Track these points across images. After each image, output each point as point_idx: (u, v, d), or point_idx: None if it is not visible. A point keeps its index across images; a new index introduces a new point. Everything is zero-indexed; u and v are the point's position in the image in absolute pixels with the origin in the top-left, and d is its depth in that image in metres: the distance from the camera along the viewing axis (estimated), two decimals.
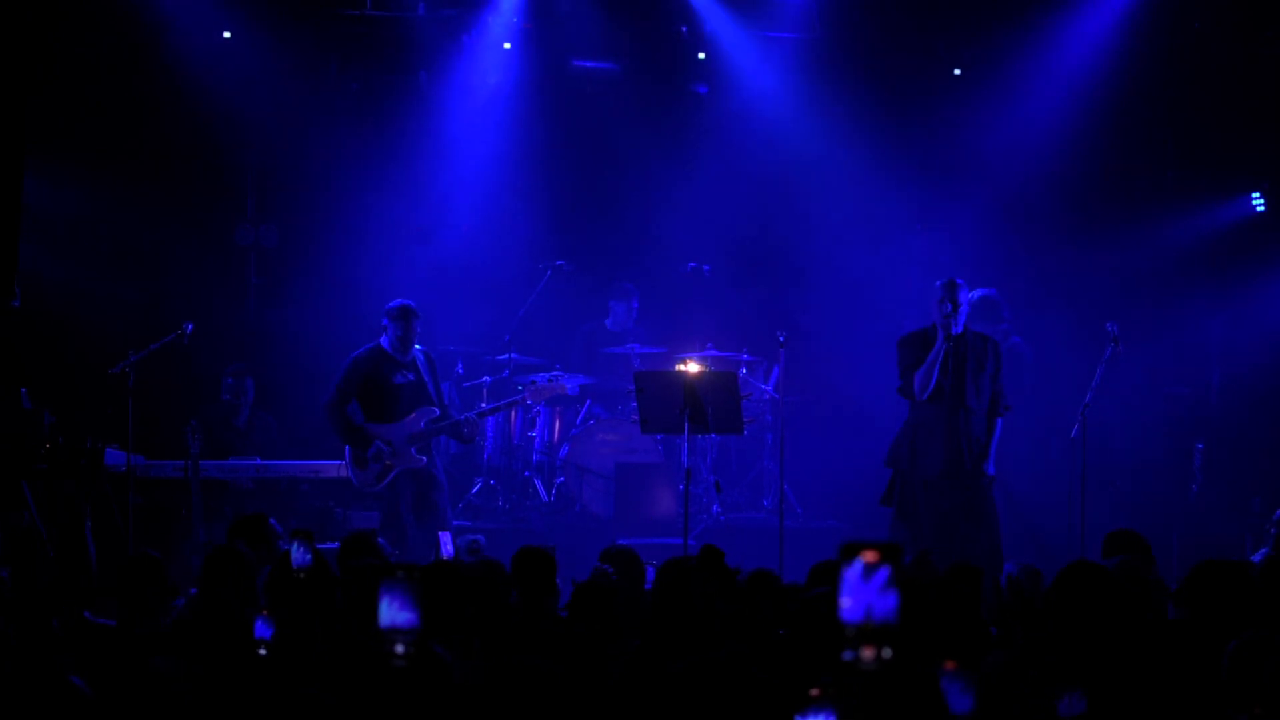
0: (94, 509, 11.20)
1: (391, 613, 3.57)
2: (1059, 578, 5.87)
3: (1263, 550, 9.50)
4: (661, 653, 5.78)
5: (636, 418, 11.34)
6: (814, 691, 3.03)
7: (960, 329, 10.61)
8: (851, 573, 2.77)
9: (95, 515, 11.18)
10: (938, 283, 10.68)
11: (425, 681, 4.81)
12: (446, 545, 8.84)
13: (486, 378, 13.29)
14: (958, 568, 6.68)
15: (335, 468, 11.70)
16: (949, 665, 3.60)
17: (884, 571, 2.69)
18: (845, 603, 2.71)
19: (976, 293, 12.51)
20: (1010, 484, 13.30)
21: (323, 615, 5.94)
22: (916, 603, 5.17)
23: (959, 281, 10.60)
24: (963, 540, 10.45)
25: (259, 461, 12.23)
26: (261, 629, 4.81)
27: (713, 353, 13.13)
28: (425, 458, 11.18)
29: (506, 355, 13.34)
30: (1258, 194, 14.27)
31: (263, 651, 4.77)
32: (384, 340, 11.28)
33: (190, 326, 11.40)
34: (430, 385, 11.34)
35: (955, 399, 10.59)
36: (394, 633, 3.56)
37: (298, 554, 5.02)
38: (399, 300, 11.33)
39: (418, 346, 11.36)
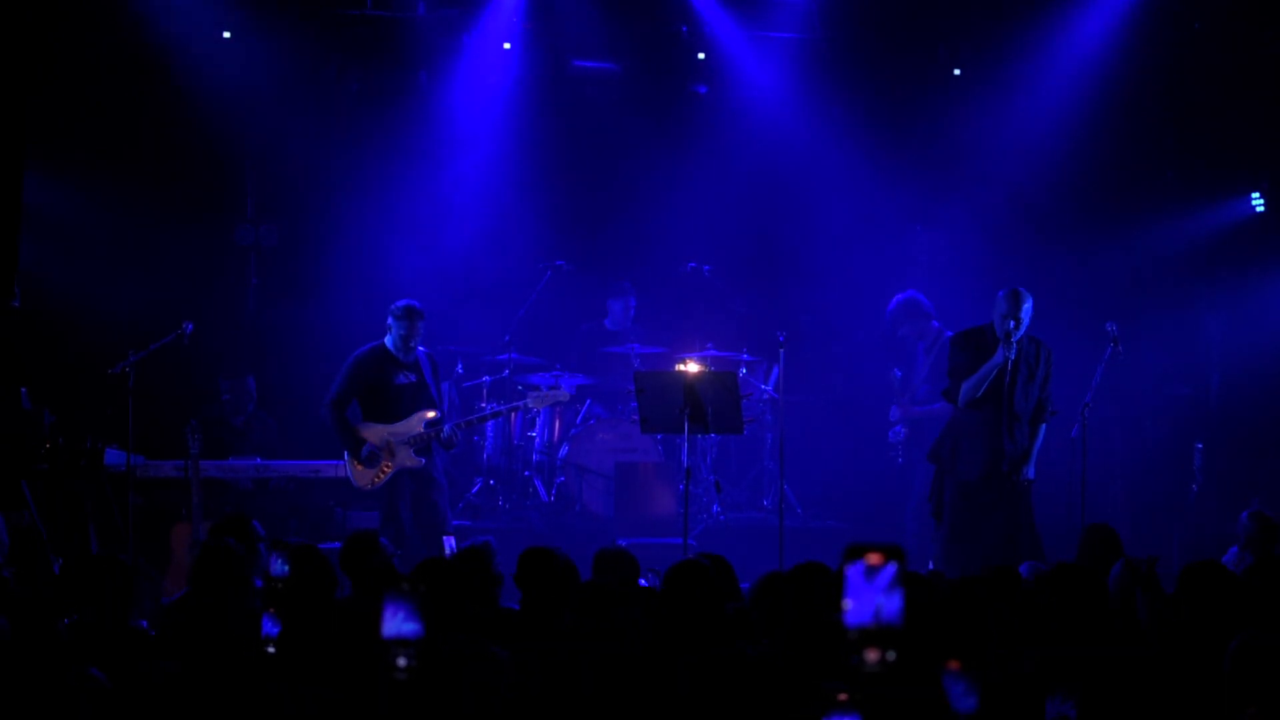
0: (94, 509, 11.20)
1: (396, 623, 3.55)
2: (1046, 580, 5.89)
3: (1232, 549, 9.48)
4: (670, 650, 5.79)
5: (636, 417, 11.34)
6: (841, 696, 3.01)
7: (1019, 336, 10.50)
8: (854, 574, 2.77)
9: (96, 515, 11.18)
10: (1000, 292, 10.50)
11: (481, 680, 4.82)
12: (450, 550, 8.84)
13: (486, 378, 13.28)
14: (994, 571, 6.67)
15: (335, 468, 11.70)
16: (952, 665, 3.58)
17: (888, 572, 2.69)
18: (850, 604, 2.72)
19: (901, 295, 12.51)
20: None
21: (323, 614, 5.94)
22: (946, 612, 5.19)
23: (1023, 292, 10.45)
24: (1004, 544, 10.37)
25: (259, 461, 12.23)
26: (269, 626, 4.80)
27: (712, 352, 13.12)
28: (424, 458, 11.16)
29: (506, 355, 13.32)
30: (1257, 194, 14.26)
31: (271, 649, 4.76)
32: (388, 340, 11.26)
33: (190, 326, 11.38)
34: (432, 386, 11.32)
35: (1002, 406, 10.50)
36: (398, 643, 3.54)
37: (275, 566, 4.99)
38: (404, 300, 11.30)
39: (421, 348, 11.33)
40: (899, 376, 12.81)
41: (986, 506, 10.55)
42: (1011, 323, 10.35)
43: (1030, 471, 10.60)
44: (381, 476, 11.12)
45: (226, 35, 13.62)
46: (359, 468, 11.16)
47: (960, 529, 10.54)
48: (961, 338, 10.80)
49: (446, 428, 11.23)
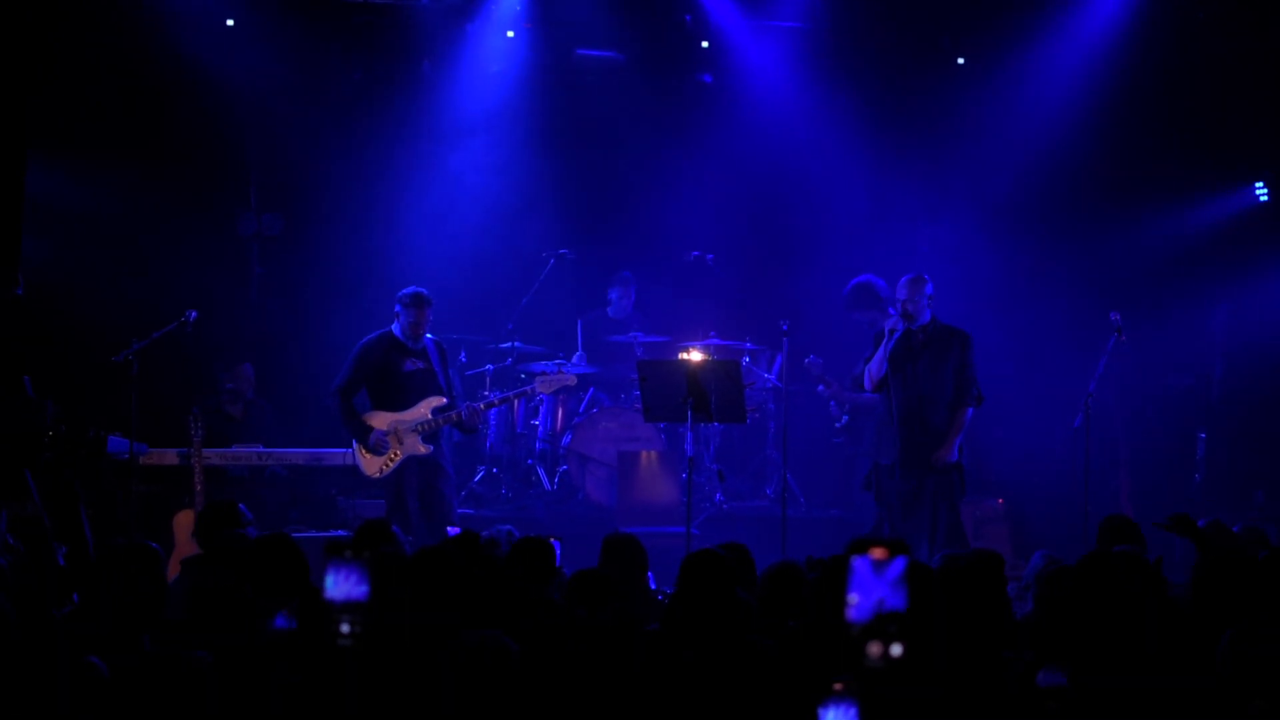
0: (96, 497, 11.20)
1: (341, 587, 3.54)
2: (1080, 566, 5.87)
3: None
4: (679, 640, 5.79)
5: (639, 406, 11.34)
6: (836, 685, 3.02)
7: (924, 321, 10.73)
8: (861, 568, 2.77)
9: (98, 503, 11.18)
10: (903, 279, 10.87)
11: (493, 672, 4.82)
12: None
13: (490, 366, 13.28)
14: (979, 556, 6.63)
15: (339, 456, 11.70)
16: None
17: (896, 566, 2.69)
18: (854, 598, 2.71)
19: (857, 279, 12.54)
20: (1013, 475, 13.34)
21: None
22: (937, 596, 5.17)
23: (922, 277, 10.79)
24: (925, 531, 10.58)
25: (261, 449, 12.21)
26: (281, 623, 4.80)
27: (716, 341, 13.13)
28: (432, 446, 11.15)
29: (510, 343, 13.33)
30: (1261, 184, 14.26)
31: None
32: (395, 327, 11.24)
33: (193, 315, 11.40)
34: (440, 374, 11.30)
35: (908, 390, 10.69)
36: (344, 608, 3.53)
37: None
38: (412, 287, 11.27)
39: (429, 335, 11.33)
40: (818, 362, 12.79)
41: (908, 494, 10.69)
42: (910, 307, 10.66)
43: (949, 455, 10.64)
44: (390, 464, 11.12)
45: (230, 24, 13.61)
46: (367, 455, 11.16)
47: (892, 517, 10.74)
48: (878, 334, 11.03)
49: (465, 407, 11.19)
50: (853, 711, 2.92)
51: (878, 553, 2.69)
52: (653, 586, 7.88)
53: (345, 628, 3.55)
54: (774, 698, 5.01)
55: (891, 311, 11.34)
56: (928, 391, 10.69)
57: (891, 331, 10.68)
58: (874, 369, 10.77)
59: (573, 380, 12.23)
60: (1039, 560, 7.54)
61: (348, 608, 3.58)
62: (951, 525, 10.63)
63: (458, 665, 4.82)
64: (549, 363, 13.17)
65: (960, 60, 14.54)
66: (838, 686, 2.95)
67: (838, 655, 2.92)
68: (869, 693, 2.87)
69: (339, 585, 3.59)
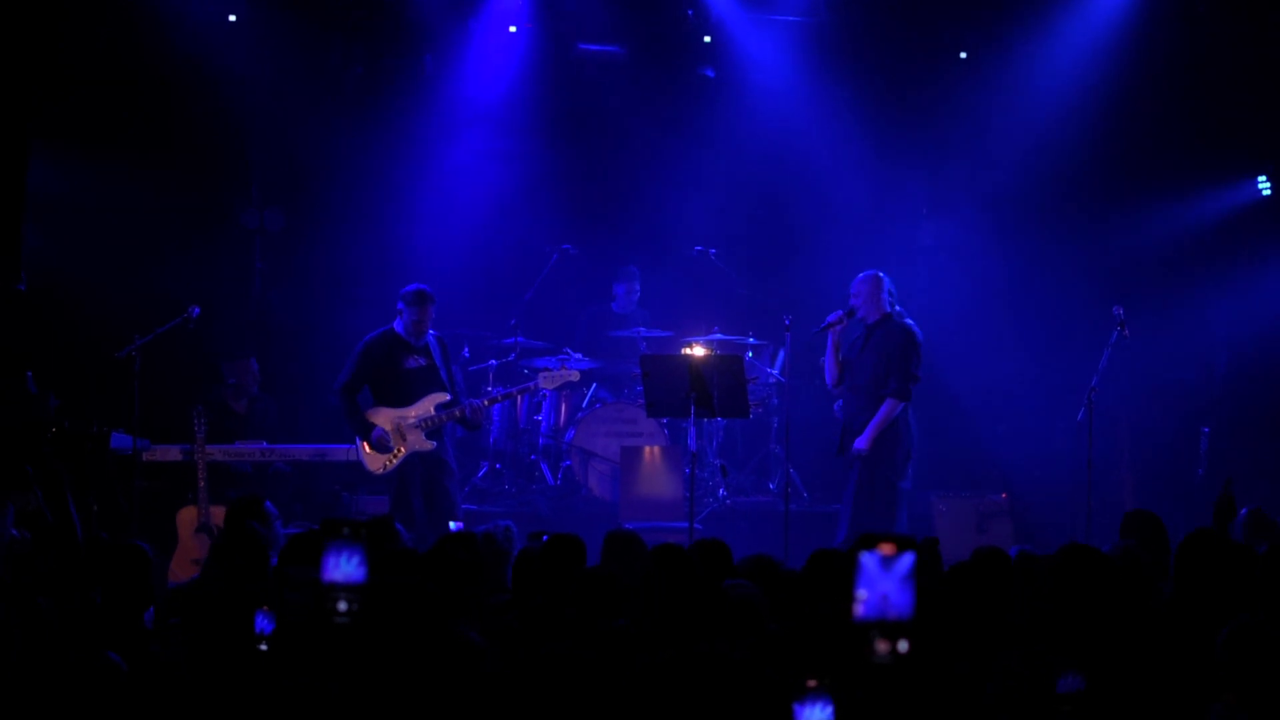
0: (99, 493, 11.20)
1: (336, 569, 3.52)
2: (1055, 560, 5.87)
3: None
4: (652, 639, 5.77)
5: (642, 401, 11.33)
6: (811, 682, 3.01)
7: (879, 316, 10.92)
8: (869, 564, 2.76)
9: (101, 500, 11.17)
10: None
11: (455, 667, 4.80)
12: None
13: (493, 361, 13.27)
14: (980, 553, 6.61)
15: (342, 452, 11.69)
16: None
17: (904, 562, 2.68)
18: (862, 595, 2.71)
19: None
20: (1016, 469, 13.35)
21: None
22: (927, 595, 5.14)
23: (877, 276, 11.00)
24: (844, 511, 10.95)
25: (264, 445, 12.20)
26: (262, 623, 4.77)
27: (719, 336, 13.11)
28: (435, 442, 11.15)
29: (513, 339, 13.31)
30: (1264, 178, 14.24)
31: (264, 647, 4.75)
32: (398, 324, 11.24)
33: (196, 310, 11.39)
34: (443, 370, 11.29)
35: (853, 383, 10.97)
36: (337, 589, 3.52)
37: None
38: (415, 285, 11.26)
39: (431, 331, 11.32)
40: None
41: (847, 482, 10.95)
42: (855, 301, 10.96)
43: (863, 443, 10.77)
44: (393, 461, 11.11)
45: (232, 18, 13.61)
46: (370, 452, 11.15)
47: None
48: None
49: (468, 404, 11.18)
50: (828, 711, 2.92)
51: (886, 548, 2.69)
52: None
53: (342, 606, 3.54)
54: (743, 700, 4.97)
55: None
56: (867, 384, 10.84)
57: (829, 326, 10.89)
58: (825, 367, 11.12)
59: (576, 376, 12.21)
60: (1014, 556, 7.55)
61: (340, 590, 3.56)
62: (868, 519, 10.67)
63: (429, 662, 4.80)
64: (552, 358, 13.16)
65: (963, 54, 14.52)
66: (812, 684, 2.95)
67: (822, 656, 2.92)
68: (869, 692, 2.86)
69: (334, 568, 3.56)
